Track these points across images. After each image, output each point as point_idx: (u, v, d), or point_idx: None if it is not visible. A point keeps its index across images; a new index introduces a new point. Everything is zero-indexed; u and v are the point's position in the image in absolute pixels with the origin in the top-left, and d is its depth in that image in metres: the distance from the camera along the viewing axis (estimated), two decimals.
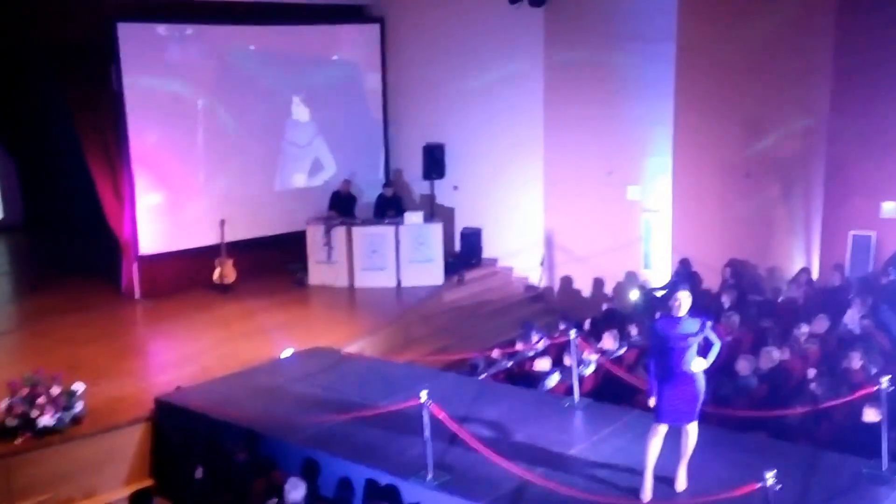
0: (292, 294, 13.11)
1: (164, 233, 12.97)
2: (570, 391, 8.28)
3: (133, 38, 12.33)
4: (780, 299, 11.78)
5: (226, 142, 13.62)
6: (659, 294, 11.88)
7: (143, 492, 7.48)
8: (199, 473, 7.56)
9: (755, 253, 12.96)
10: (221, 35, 13.44)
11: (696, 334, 6.07)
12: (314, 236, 13.47)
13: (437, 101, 14.76)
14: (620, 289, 13.15)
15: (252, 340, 10.73)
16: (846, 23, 12.83)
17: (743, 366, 8.58)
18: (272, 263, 13.79)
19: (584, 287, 13.83)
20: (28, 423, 7.99)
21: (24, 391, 8.07)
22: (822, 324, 9.92)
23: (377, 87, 15.27)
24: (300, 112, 14.46)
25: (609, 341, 9.66)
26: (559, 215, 13.88)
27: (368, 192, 14.87)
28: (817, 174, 13.41)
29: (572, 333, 8.30)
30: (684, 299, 6.08)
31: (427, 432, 6.64)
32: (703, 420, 6.41)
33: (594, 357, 8.94)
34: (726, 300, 11.08)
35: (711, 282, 12.15)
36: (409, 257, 13.31)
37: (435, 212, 14.71)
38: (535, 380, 9.07)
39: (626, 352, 9.57)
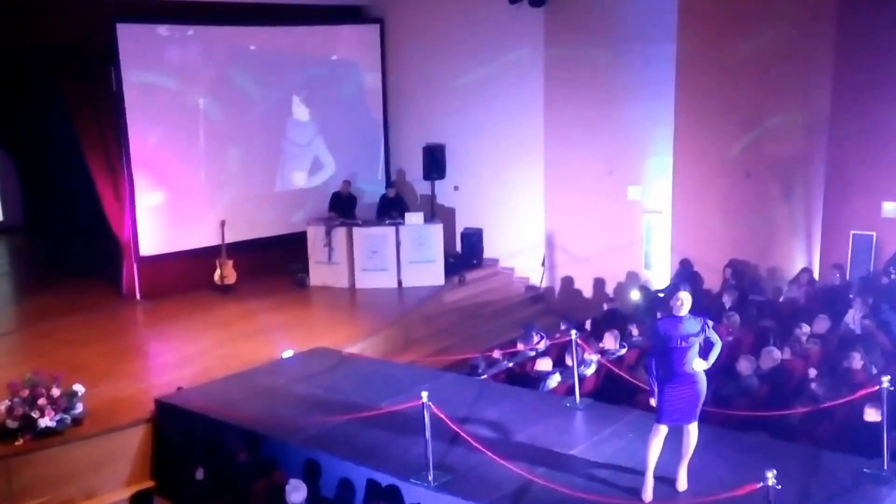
0: (293, 295, 13.11)
1: (164, 233, 12.97)
2: (570, 391, 8.28)
3: (133, 39, 12.33)
4: (780, 299, 11.78)
5: (226, 142, 13.63)
6: (660, 295, 11.88)
7: (144, 493, 7.46)
8: (199, 474, 7.56)
9: (756, 253, 12.95)
10: (221, 35, 13.44)
11: (697, 334, 6.07)
12: (315, 237, 13.47)
13: (437, 101, 14.76)
14: (621, 289, 13.15)
15: (253, 341, 10.73)
16: (846, 23, 12.83)
17: (744, 366, 8.57)
18: (273, 264, 13.79)
19: (585, 287, 13.83)
20: (29, 425, 7.98)
21: (25, 392, 8.06)
22: (823, 324, 9.93)
23: (377, 87, 15.28)
24: (300, 112, 14.46)
25: (610, 341, 9.66)
26: (560, 216, 13.88)
27: (369, 192, 14.87)
28: (818, 174, 13.41)
29: (573, 334, 8.30)
30: (686, 299, 6.07)
31: (428, 433, 6.63)
32: (704, 420, 6.40)
33: (595, 357, 8.93)
34: (727, 300, 11.09)
35: (712, 282, 12.15)
36: (409, 258, 13.31)
37: (435, 212, 14.71)
38: (536, 380, 9.07)
39: (626, 352, 9.57)
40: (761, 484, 5.38)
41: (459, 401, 8.05)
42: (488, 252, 14.60)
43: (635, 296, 12.25)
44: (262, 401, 8.52)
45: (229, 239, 13.04)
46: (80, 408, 8.30)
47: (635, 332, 10.04)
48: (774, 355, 8.79)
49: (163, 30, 12.86)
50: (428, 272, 13.33)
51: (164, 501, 7.75)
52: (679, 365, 6.05)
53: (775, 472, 5.38)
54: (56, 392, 8.16)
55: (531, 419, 7.76)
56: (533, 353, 9.74)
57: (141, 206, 12.70)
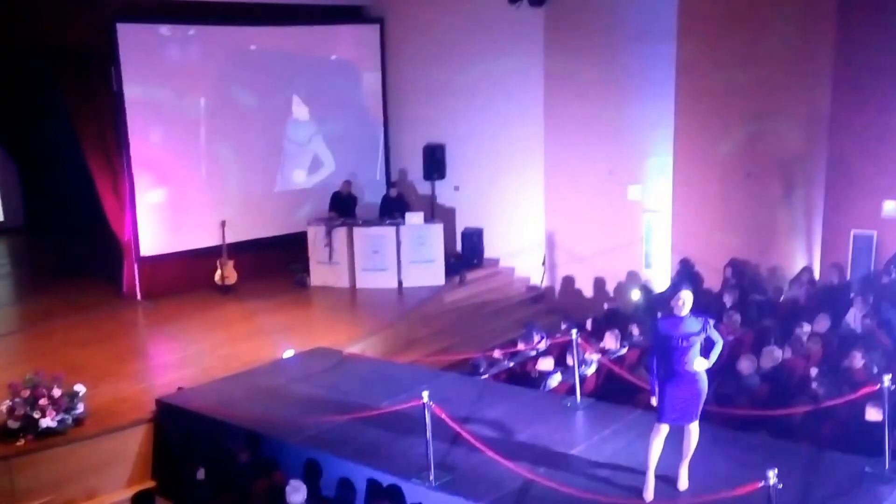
0: (293, 295, 13.11)
1: (164, 234, 12.97)
2: (571, 391, 8.28)
3: (132, 39, 12.32)
4: (781, 298, 11.78)
5: (226, 142, 13.62)
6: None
7: (145, 493, 7.45)
8: (200, 474, 7.56)
9: (756, 252, 12.96)
10: (221, 35, 13.43)
11: (698, 333, 6.06)
12: (315, 237, 13.47)
13: (437, 101, 14.75)
14: (621, 289, 13.15)
15: (253, 341, 10.73)
16: (847, 23, 12.85)
17: (745, 365, 8.57)
18: (273, 264, 13.79)
19: (586, 287, 13.83)
20: (30, 425, 7.98)
21: (26, 393, 8.06)
22: (823, 323, 9.92)
23: (377, 87, 15.27)
24: (300, 112, 14.45)
25: (611, 341, 9.66)
26: (560, 215, 13.88)
27: (369, 192, 14.87)
28: (818, 174, 13.43)
29: (574, 333, 8.30)
30: (687, 298, 6.07)
31: (429, 432, 6.64)
32: (705, 419, 6.40)
33: (596, 357, 8.93)
34: (728, 300, 11.08)
35: (712, 282, 12.14)
36: (410, 258, 13.30)
37: (436, 212, 14.72)
38: (537, 380, 9.07)
39: (627, 351, 9.57)
40: (762, 483, 5.38)
41: (460, 400, 8.05)
42: (489, 252, 14.60)
43: (636, 295, 12.25)
44: (262, 401, 8.52)
45: (230, 239, 13.04)
46: (81, 408, 8.31)
47: (636, 331, 10.03)
48: (775, 355, 8.80)
49: (163, 30, 12.86)
50: (428, 272, 13.33)
51: (165, 501, 7.75)
52: (680, 364, 6.05)
53: (776, 471, 5.38)
54: (57, 392, 8.16)
55: (532, 419, 7.76)
56: (534, 353, 9.74)
57: (141, 206, 12.70)
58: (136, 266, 12.75)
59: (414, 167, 15.05)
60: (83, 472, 8.07)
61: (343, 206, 13.89)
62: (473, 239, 14.46)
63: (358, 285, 13.35)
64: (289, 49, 14.16)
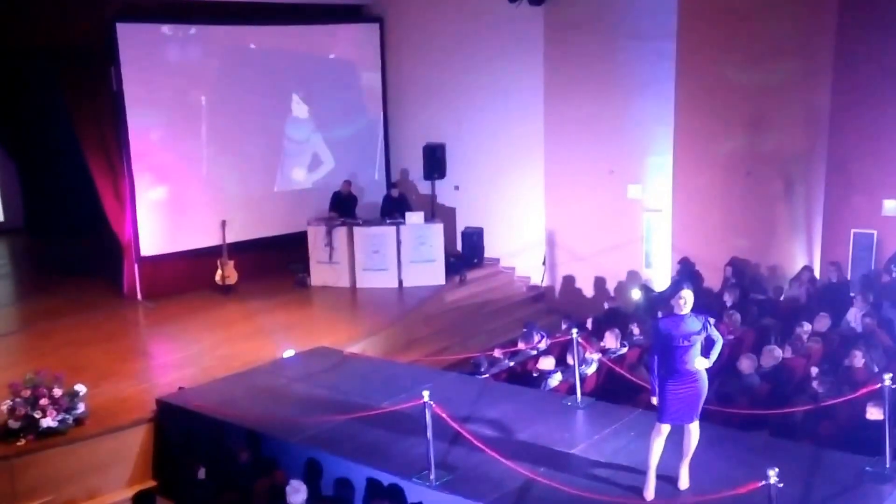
0: (294, 295, 13.11)
1: (165, 234, 12.97)
2: (572, 390, 8.28)
3: (132, 39, 12.32)
4: (782, 298, 11.79)
5: (226, 142, 13.62)
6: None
7: (146, 493, 7.45)
8: (201, 474, 7.56)
9: (757, 251, 12.96)
10: (221, 35, 13.43)
11: (698, 333, 6.05)
12: (315, 237, 13.47)
13: (437, 100, 14.76)
14: (622, 288, 13.16)
15: (254, 341, 10.73)
16: (847, 21, 12.85)
17: (745, 364, 8.57)
18: (273, 264, 13.79)
19: (586, 286, 13.83)
20: (31, 425, 7.98)
21: (27, 393, 8.06)
22: (824, 322, 9.93)
23: (377, 86, 15.27)
24: (300, 111, 14.46)
25: (611, 340, 9.66)
26: (560, 215, 13.88)
27: (369, 192, 14.87)
28: (818, 172, 13.43)
29: (574, 333, 8.30)
30: (688, 297, 6.06)
31: (429, 432, 6.63)
32: (706, 418, 6.40)
33: (596, 356, 8.93)
34: (728, 299, 11.09)
35: (713, 281, 12.15)
36: (410, 257, 13.30)
37: (436, 212, 14.72)
38: (538, 379, 9.07)
39: (628, 351, 9.57)
40: (763, 482, 5.37)
41: (461, 400, 8.05)
42: (489, 251, 14.61)
43: (636, 294, 12.26)
44: (263, 400, 8.52)
45: (230, 239, 13.04)
46: (81, 408, 8.31)
47: (636, 330, 10.04)
48: (776, 354, 8.80)
49: (162, 29, 12.85)
50: (429, 272, 13.33)
51: (166, 501, 7.74)
52: (681, 363, 6.04)
53: (777, 470, 5.37)
54: (58, 392, 8.16)
55: (532, 418, 7.76)
56: (534, 353, 9.75)
57: (141, 206, 12.70)
58: (136, 266, 12.75)
59: (414, 167, 15.06)
60: (84, 472, 8.07)
61: (343, 206, 13.89)
62: (474, 238, 14.47)
63: (358, 285, 13.35)
64: (289, 48, 14.16)
